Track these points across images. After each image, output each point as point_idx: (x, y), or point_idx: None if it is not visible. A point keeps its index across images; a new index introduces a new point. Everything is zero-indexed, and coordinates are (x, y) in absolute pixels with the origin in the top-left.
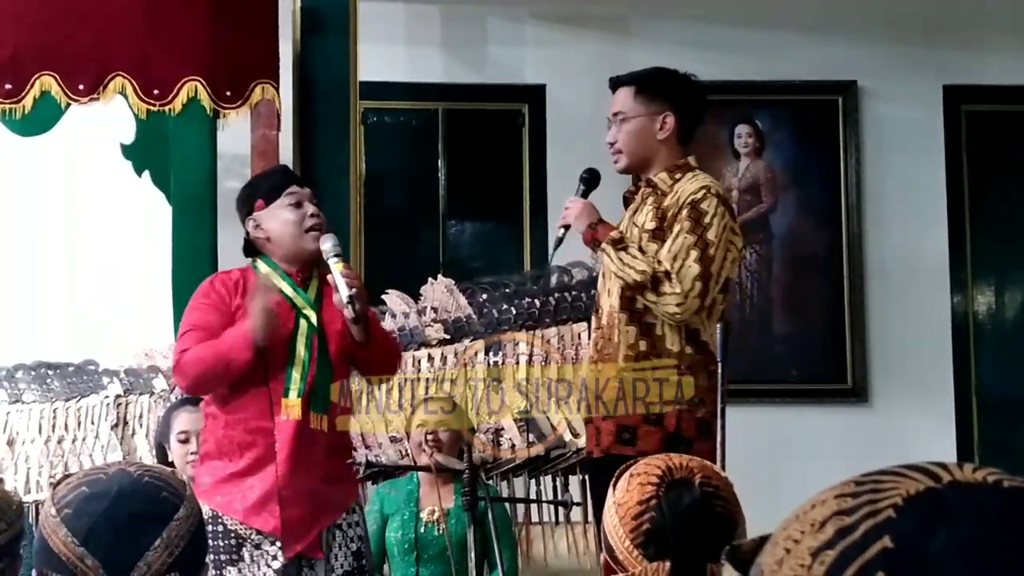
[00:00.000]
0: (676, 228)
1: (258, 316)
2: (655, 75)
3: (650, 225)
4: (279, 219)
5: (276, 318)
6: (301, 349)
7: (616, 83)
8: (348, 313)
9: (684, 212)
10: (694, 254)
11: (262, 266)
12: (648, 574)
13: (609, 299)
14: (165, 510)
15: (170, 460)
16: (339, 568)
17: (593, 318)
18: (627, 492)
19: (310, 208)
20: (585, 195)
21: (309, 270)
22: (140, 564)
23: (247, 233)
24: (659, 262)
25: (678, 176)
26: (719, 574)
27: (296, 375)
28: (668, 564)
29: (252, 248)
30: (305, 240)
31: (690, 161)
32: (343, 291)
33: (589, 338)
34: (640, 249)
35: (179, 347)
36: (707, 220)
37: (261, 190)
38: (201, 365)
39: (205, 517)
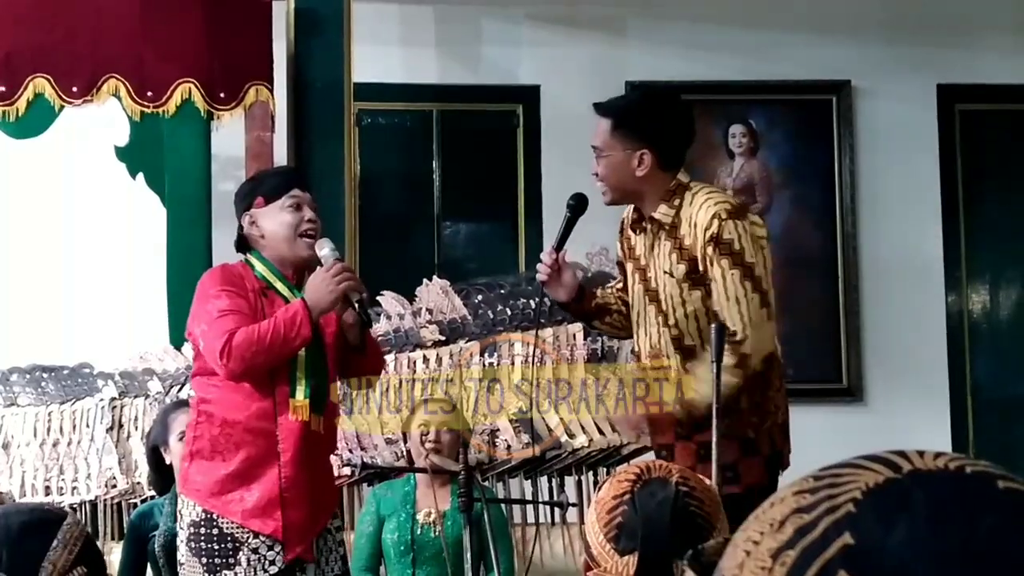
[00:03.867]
0: (715, 271)
1: (326, 298)
2: (633, 109)
3: (679, 270)
4: (276, 220)
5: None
6: (301, 351)
7: (598, 110)
8: (349, 318)
9: (711, 251)
10: (748, 285)
11: (257, 263)
12: (618, 568)
13: (648, 339)
14: (52, 518)
15: (168, 463)
16: (329, 572)
17: (631, 357)
18: (606, 490)
19: (308, 213)
20: (572, 223)
21: (301, 272)
22: (45, 564)
23: (240, 227)
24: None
25: (677, 202)
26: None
27: (301, 376)
28: (636, 558)
29: (245, 243)
30: (298, 245)
31: (681, 179)
32: (351, 297)
33: (585, 339)
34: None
35: (219, 329)
36: (738, 246)
37: (263, 187)
38: (258, 344)
39: (196, 519)
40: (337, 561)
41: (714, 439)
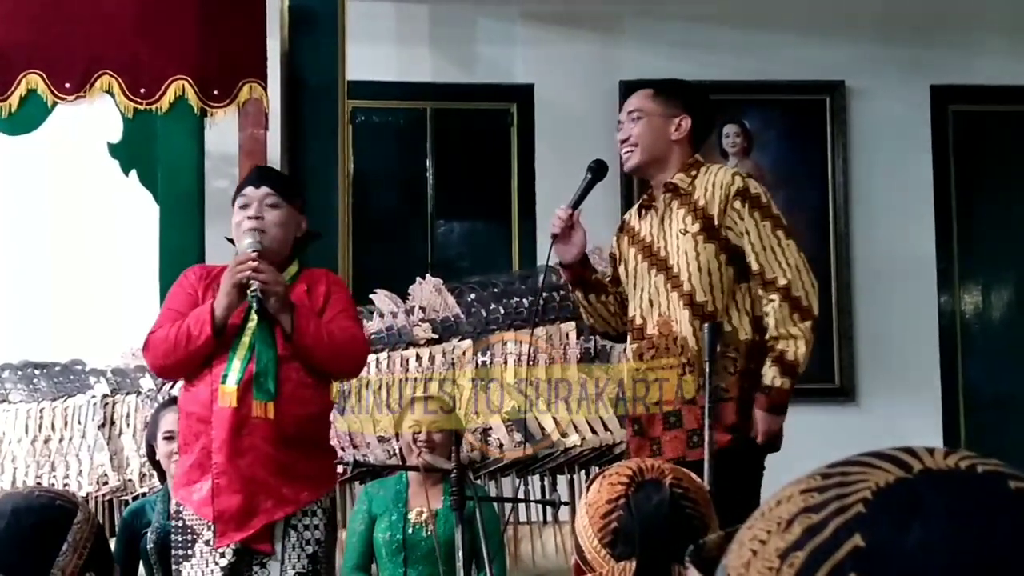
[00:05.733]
0: (747, 224)
1: (223, 291)
2: (673, 81)
3: (694, 227)
4: (234, 221)
5: (239, 295)
6: (246, 337)
7: (633, 87)
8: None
9: (739, 204)
10: (781, 233)
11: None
12: (615, 573)
13: (656, 310)
14: (63, 516)
15: (157, 459)
16: (290, 569)
17: (630, 334)
18: (598, 492)
19: (251, 210)
20: (591, 185)
21: (279, 267)
22: (53, 571)
23: None
24: (772, 289)
25: (694, 173)
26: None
27: (236, 362)
28: (634, 564)
29: None
30: (242, 242)
31: (698, 158)
32: (248, 287)
33: (578, 338)
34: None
35: (150, 330)
36: (764, 200)
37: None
38: (165, 343)
39: (172, 513)
40: (302, 559)
41: (706, 436)
